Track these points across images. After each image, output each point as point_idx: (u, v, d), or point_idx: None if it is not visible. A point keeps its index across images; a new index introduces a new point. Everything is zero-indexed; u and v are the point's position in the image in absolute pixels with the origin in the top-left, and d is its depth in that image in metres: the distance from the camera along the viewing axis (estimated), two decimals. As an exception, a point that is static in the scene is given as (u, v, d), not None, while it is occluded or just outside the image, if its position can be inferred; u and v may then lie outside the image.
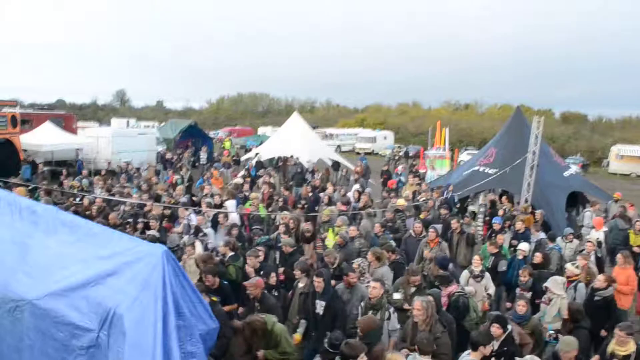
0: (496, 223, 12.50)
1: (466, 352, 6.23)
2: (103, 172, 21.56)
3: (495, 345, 6.64)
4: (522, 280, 9.15)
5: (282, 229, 11.35)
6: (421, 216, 13.54)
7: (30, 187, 14.41)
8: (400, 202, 14.51)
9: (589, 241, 11.01)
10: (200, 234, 10.79)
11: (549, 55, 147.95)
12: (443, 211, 13.57)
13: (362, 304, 7.80)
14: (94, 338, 3.39)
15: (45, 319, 3.63)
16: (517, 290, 9.22)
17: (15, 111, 24.09)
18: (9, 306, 3.88)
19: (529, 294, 8.85)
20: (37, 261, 3.92)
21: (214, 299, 7.24)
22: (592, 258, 10.43)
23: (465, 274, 9.40)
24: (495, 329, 6.72)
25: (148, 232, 10.54)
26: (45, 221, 4.13)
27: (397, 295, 8.09)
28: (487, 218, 15.01)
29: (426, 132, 46.06)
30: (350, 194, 16.99)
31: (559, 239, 11.55)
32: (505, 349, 6.59)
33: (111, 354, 3.26)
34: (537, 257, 10.03)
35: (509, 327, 6.80)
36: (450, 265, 10.40)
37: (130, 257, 3.48)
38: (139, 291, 3.29)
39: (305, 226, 11.43)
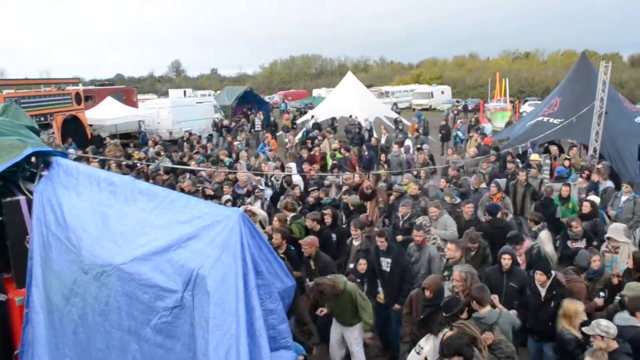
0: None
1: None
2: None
3: (543, 292, 6.67)
4: (574, 230, 8.88)
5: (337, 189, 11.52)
6: (482, 170, 13.34)
7: (98, 159, 14.99)
8: (534, 157, 14.26)
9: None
10: (257, 190, 11.05)
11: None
12: (510, 165, 13.29)
13: (443, 262, 7.84)
14: (178, 298, 3.54)
15: (131, 282, 3.81)
16: (568, 243, 9.01)
17: (78, 88, 24.95)
18: (96, 272, 4.09)
19: (582, 243, 8.74)
20: (119, 229, 4.10)
21: (282, 255, 7.43)
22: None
23: None
24: (539, 276, 6.72)
25: (223, 197, 10.87)
26: (123, 191, 4.29)
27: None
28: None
29: (485, 84, 44.88)
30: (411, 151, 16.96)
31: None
32: (554, 292, 6.63)
33: (197, 312, 3.41)
34: (586, 207, 9.76)
35: (552, 272, 6.80)
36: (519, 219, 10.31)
37: (209, 220, 3.59)
38: (220, 253, 3.40)
39: (366, 183, 11.48)
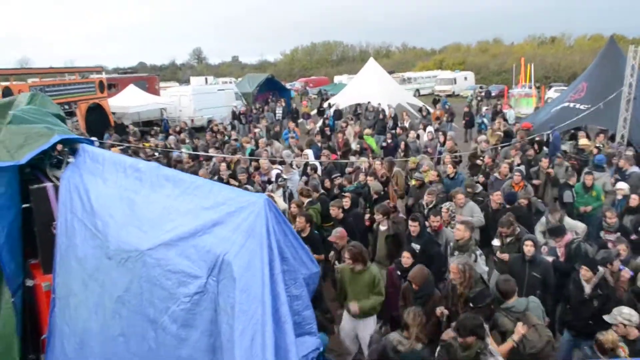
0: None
1: None
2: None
3: (587, 288, 6.45)
4: (608, 222, 8.51)
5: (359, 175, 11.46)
6: (510, 160, 13.16)
7: (123, 147, 15.14)
8: (584, 142, 13.98)
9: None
10: (280, 179, 11.09)
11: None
12: (529, 152, 13.13)
13: (451, 244, 7.77)
14: (202, 284, 3.54)
15: (157, 268, 3.82)
16: (601, 233, 8.64)
17: (101, 77, 25.23)
18: (121, 257, 4.11)
19: (614, 236, 8.25)
20: (146, 215, 4.12)
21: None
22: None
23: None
24: (584, 272, 6.46)
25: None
26: (149, 177, 4.31)
27: (496, 242, 8.00)
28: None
29: (509, 70, 44.20)
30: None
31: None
32: (599, 292, 6.39)
33: (221, 298, 3.41)
34: (634, 200, 9.17)
35: (600, 269, 6.51)
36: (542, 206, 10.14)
37: (234, 206, 3.59)
38: (245, 239, 3.40)
39: (380, 171, 11.45)
